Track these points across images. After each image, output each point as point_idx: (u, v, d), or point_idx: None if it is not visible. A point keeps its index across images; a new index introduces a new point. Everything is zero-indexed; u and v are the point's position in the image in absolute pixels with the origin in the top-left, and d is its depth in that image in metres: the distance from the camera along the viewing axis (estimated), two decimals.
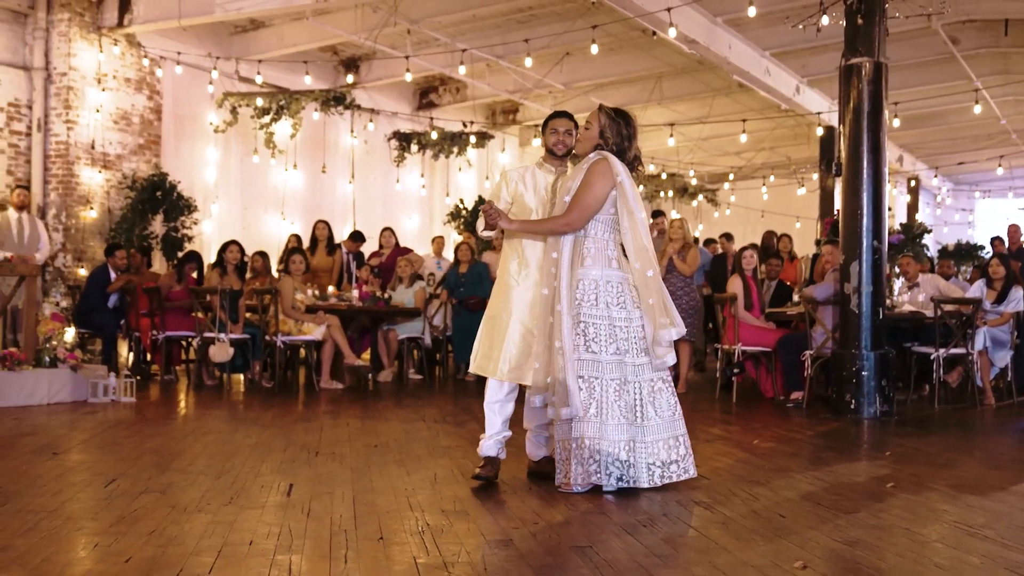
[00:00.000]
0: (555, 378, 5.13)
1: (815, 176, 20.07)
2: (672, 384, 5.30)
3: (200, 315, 10.72)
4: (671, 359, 5.21)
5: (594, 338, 5.13)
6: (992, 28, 15.25)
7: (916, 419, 8.90)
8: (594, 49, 12.57)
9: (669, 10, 11.15)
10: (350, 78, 14.50)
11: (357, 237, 13.64)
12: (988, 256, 17.20)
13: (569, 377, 5.10)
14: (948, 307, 9.90)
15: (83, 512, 4.49)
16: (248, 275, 11.62)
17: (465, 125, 16.94)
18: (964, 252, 16.98)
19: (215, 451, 6.35)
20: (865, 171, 8.89)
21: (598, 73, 16.53)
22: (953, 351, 9.84)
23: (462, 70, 13.74)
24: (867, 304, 8.85)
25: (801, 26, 10.76)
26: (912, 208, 25.08)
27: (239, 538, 4.04)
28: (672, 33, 11.57)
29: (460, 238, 16.39)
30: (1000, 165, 20.79)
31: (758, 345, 10.24)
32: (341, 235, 13.43)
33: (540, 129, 5.85)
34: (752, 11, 10.76)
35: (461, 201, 16.99)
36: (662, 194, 23.01)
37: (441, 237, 15.52)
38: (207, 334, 10.63)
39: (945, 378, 10.15)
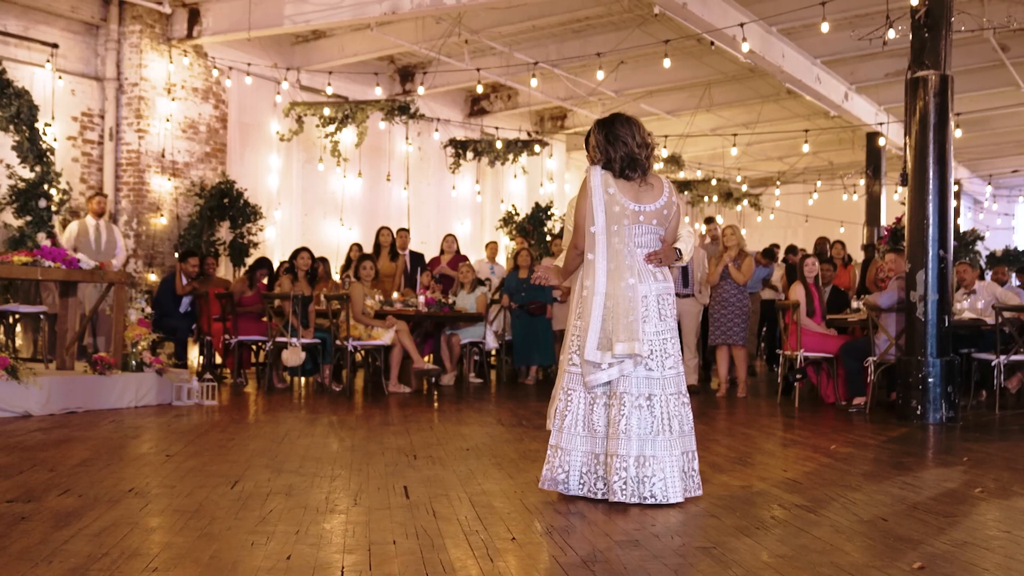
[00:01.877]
0: None
1: (861, 182, 20.19)
2: (661, 402, 5.12)
3: (273, 319, 11.01)
4: (599, 378, 5.10)
5: (576, 350, 5.25)
6: None
7: (980, 425, 9.09)
8: (666, 63, 12.86)
9: (742, 25, 11.43)
10: (421, 90, 14.80)
11: (403, 232, 13.88)
12: None
13: (555, 389, 5.37)
14: (1007, 314, 10.08)
15: (223, 512, 4.75)
16: None
17: (530, 135, 17.25)
18: (1012, 258, 17.10)
19: (317, 454, 6.63)
20: (931, 182, 9.08)
21: (648, 80, 16.76)
22: (1014, 358, 10.03)
23: (533, 83, 14.10)
24: (933, 312, 9.04)
25: (868, 39, 10.94)
26: (955, 213, 25.12)
27: (381, 537, 4.30)
28: (745, 48, 11.86)
29: (512, 243, 16.70)
30: None
31: (820, 351, 10.45)
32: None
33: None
34: (825, 26, 11.04)
35: (513, 207, 17.25)
36: (706, 199, 23.23)
37: (495, 242, 15.80)
38: (279, 339, 10.94)
39: (1005, 384, 10.34)
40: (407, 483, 5.58)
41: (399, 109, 14.36)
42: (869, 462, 6.77)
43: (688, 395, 5.33)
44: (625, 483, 5.01)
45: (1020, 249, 18.04)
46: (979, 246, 16.24)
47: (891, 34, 10.70)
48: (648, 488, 5.01)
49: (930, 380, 8.96)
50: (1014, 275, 15.07)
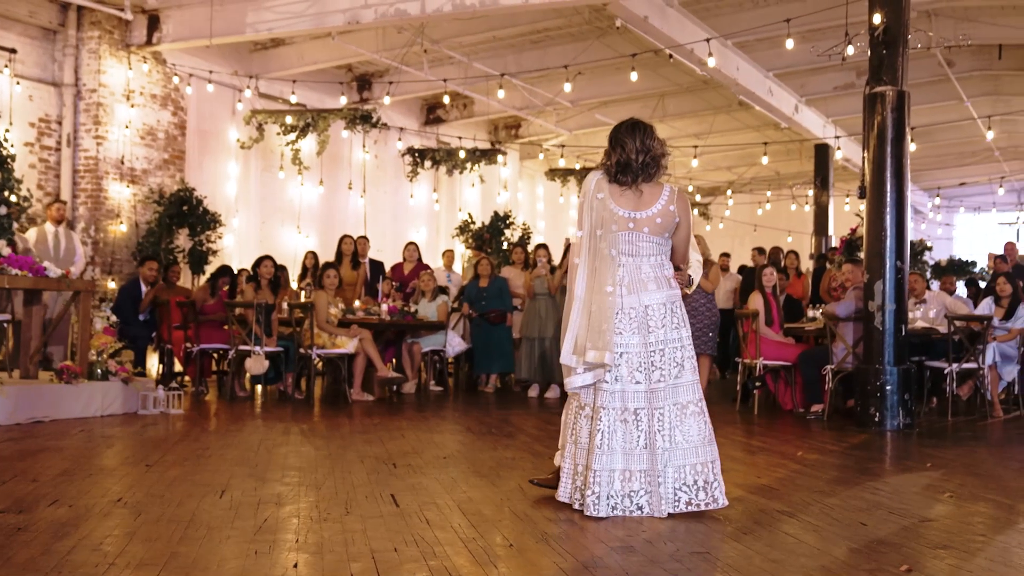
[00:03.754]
0: None
1: (810, 192, 20.58)
2: (647, 415, 5.09)
3: (235, 328, 10.99)
4: (573, 382, 5.15)
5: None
6: (986, 52, 15.82)
7: (935, 431, 9.34)
8: (633, 76, 13.07)
9: (708, 40, 11.64)
10: (387, 99, 14.85)
11: (363, 240, 13.92)
12: (977, 270, 17.83)
13: None
14: (958, 323, 10.38)
15: (218, 522, 4.79)
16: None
17: (494, 145, 17.37)
18: (957, 267, 17.54)
19: (297, 463, 6.67)
20: (889, 195, 9.34)
21: (604, 91, 16.97)
22: (965, 366, 10.33)
23: (501, 94, 14.19)
24: (890, 321, 9.30)
25: (828, 55, 11.21)
26: None
27: (381, 546, 4.37)
28: (712, 63, 12.09)
29: (468, 252, 16.80)
30: (1001, 186, 21.58)
31: (779, 359, 10.67)
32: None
33: None
34: (790, 43, 11.32)
35: (470, 215, 17.34)
36: None
37: (451, 250, 15.89)
38: (242, 347, 10.92)
39: (957, 391, 10.64)
40: (393, 491, 5.65)
41: (361, 118, 14.41)
42: (837, 468, 6.97)
43: (701, 404, 5.25)
44: (599, 497, 4.98)
45: (963, 259, 18.48)
46: (925, 256, 16.64)
47: (850, 50, 10.98)
48: (635, 501, 5.02)
49: (888, 388, 9.21)
50: (961, 284, 15.43)
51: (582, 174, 20.43)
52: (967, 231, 28.54)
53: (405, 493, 5.60)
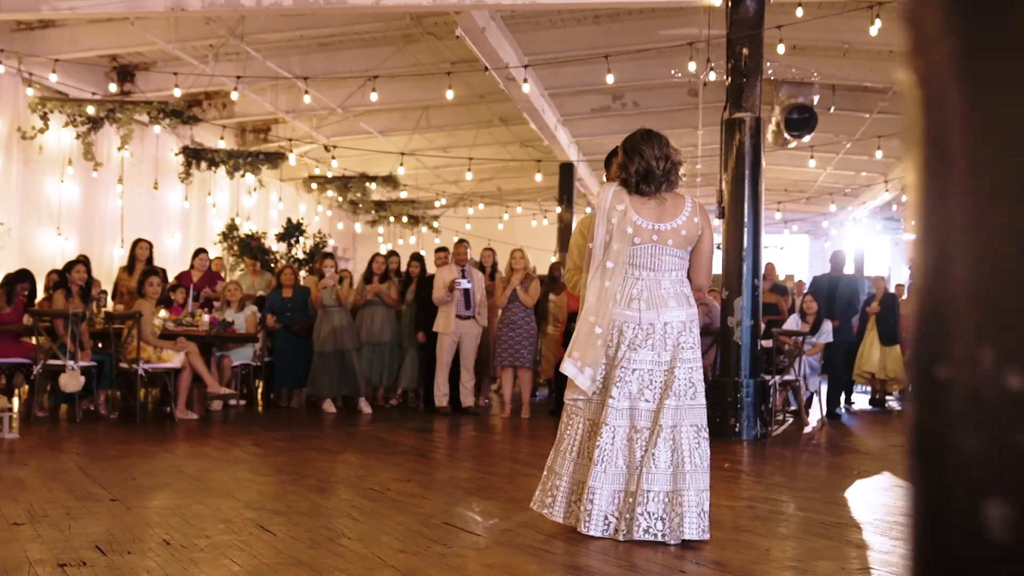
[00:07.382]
0: None
1: (558, 209, 21.13)
2: (616, 432, 4.83)
3: (39, 339, 9.83)
4: (581, 383, 4.89)
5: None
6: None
7: (778, 439, 9.87)
8: (448, 95, 12.92)
9: (526, 66, 11.65)
10: (176, 91, 13.69)
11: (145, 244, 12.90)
12: None
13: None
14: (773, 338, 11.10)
15: (274, 552, 4.24)
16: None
17: (317, 147, 16.55)
18: None
19: (235, 489, 6.03)
20: (747, 216, 9.81)
21: (380, 99, 16.61)
22: (786, 378, 11.04)
23: (312, 98, 13.56)
24: (747, 336, 9.76)
25: (688, 79, 11.60)
26: None
27: (476, 571, 4.04)
28: (526, 88, 12.18)
29: (232, 259, 15.97)
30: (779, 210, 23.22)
31: None
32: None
33: None
34: (686, 66, 11.58)
35: (232, 221, 16.47)
36: (392, 219, 23.33)
37: (220, 258, 15.05)
38: (51, 361, 9.78)
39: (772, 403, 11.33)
40: (393, 513, 5.22)
41: (172, 113, 13.28)
42: (772, 475, 7.23)
43: (706, 430, 4.97)
44: (590, 515, 4.75)
45: None
46: None
47: (711, 76, 11.45)
48: (641, 525, 4.68)
49: (746, 400, 9.65)
50: None
51: (343, 182, 19.92)
52: None
53: (408, 519, 5.11)
